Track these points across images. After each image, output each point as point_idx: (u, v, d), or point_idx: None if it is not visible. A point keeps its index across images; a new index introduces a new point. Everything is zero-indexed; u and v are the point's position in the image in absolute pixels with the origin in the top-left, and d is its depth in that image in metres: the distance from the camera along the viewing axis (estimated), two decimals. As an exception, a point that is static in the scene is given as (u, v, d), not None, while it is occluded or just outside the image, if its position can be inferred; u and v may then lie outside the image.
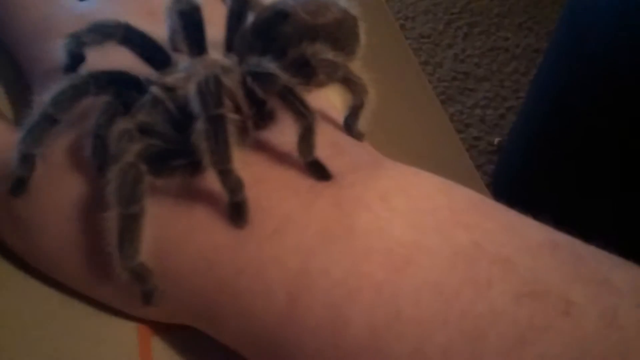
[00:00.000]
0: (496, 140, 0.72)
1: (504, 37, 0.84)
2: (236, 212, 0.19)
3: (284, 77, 0.19)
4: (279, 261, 0.18)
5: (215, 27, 0.22)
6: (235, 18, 0.22)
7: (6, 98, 0.26)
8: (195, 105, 0.18)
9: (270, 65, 0.19)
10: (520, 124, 0.63)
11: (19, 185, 0.20)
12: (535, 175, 0.55)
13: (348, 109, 0.23)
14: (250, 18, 0.22)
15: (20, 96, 0.26)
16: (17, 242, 0.21)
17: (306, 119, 0.19)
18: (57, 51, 0.23)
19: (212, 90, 0.18)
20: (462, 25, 0.86)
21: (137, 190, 0.17)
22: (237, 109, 0.19)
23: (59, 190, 0.20)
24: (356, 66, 0.22)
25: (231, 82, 0.19)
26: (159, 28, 0.25)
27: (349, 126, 0.23)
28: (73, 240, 0.20)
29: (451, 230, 0.18)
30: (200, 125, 0.18)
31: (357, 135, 0.23)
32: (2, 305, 0.21)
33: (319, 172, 0.20)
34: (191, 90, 0.18)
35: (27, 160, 0.19)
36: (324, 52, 0.20)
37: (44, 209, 0.20)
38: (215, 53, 0.22)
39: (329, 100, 0.26)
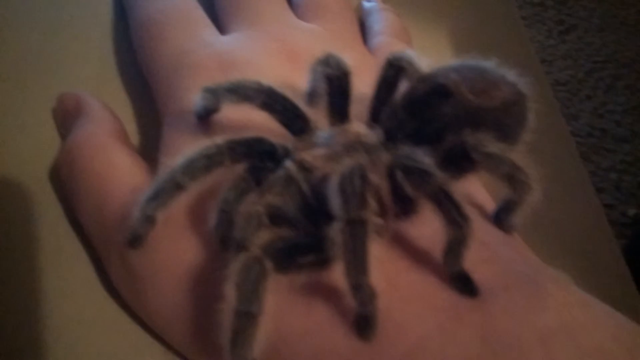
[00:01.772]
0: (631, 211, 0.64)
1: (652, 96, 0.76)
2: (363, 323, 0.16)
3: (441, 176, 0.16)
4: None
5: (360, 84, 0.20)
6: (386, 86, 0.19)
7: (136, 130, 0.25)
8: (335, 203, 0.15)
9: (425, 160, 0.16)
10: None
11: (137, 239, 0.19)
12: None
13: (502, 202, 0.19)
14: (403, 88, 0.19)
15: (151, 128, 0.25)
16: (128, 293, 0.20)
17: (461, 229, 0.16)
18: (191, 92, 0.22)
19: (356, 189, 0.15)
20: (605, 77, 0.78)
21: (259, 289, 0.15)
22: (379, 202, 0.17)
23: (175, 250, 0.19)
24: (519, 155, 0.19)
25: (377, 175, 0.16)
26: (297, 75, 0.23)
27: (500, 220, 0.19)
28: (183, 304, 0.19)
29: None
30: (338, 228, 0.15)
31: (508, 230, 0.20)
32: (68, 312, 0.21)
33: (463, 285, 0.17)
34: (333, 183, 0.15)
35: (148, 220, 0.18)
36: (489, 144, 0.17)
37: (158, 266, 0.19)
38: (357, 122, 0.20)
39: (473, 181, 0.22)
